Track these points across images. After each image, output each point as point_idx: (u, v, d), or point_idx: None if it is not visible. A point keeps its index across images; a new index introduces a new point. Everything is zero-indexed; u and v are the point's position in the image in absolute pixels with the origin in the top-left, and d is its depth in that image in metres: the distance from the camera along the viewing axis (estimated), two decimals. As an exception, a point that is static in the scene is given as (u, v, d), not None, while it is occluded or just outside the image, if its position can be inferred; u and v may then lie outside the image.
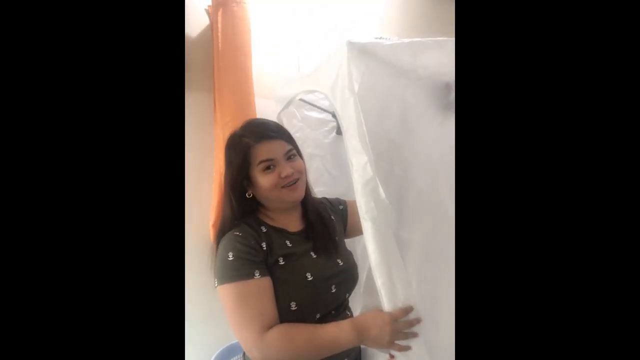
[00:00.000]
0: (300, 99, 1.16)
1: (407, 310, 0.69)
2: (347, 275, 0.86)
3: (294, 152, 0.84)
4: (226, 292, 0.73)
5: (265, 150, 0.80)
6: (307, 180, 0.89)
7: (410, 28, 1.74)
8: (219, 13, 1.18)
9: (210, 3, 1.21)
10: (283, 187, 0.81)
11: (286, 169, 0.80)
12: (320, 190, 1.23)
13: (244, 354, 0.82)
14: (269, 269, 0.77)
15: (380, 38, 0.81)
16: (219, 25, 1.18)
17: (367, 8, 1.62)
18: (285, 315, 0.75)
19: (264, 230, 0.82)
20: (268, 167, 0.80)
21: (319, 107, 1.28)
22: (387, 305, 0.70)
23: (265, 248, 0.78)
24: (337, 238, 0.90)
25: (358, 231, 1.02)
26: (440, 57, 0.79)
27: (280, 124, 1.09)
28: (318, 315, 0.79)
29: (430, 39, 0.79)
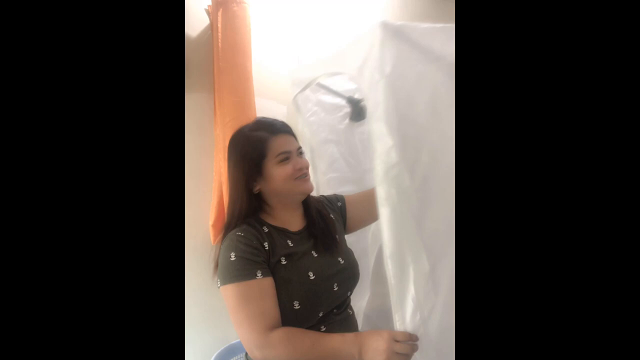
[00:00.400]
0: (318, 83, 1.12)
1: (412, 337, 0.66)
2: (348, 274, 0.87)
3: (301, 149, 0.88)
4: (229, 293, 0.74)
5: (282, 143, 0.82)
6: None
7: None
8: (219, 13, 1.18)
9: (210, 3, 1.21)
10: (296, 178, 0.82)
11: (300, 162, 0.84)
12: (335, 176, 1.22)
13: (246, 354, 0.82)
14: (271, 268, 0.77)
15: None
16: (219, 25, 1.18)
17: (367, 8, 1.62)
18: (287, 315, 0.75)
19: (266, 230, 0.82)
20: (284, 160, 0.82)
21: (334, 92, 1.24)
22: (395, 298, 0.68)
23: (267, 248, 0.78)
24: (337, 236, 0.90)
25: (359, 224, 1.03)
26: None
27: (296, 106, 1.10)
28: (320, 314, 0.79)
29: None
